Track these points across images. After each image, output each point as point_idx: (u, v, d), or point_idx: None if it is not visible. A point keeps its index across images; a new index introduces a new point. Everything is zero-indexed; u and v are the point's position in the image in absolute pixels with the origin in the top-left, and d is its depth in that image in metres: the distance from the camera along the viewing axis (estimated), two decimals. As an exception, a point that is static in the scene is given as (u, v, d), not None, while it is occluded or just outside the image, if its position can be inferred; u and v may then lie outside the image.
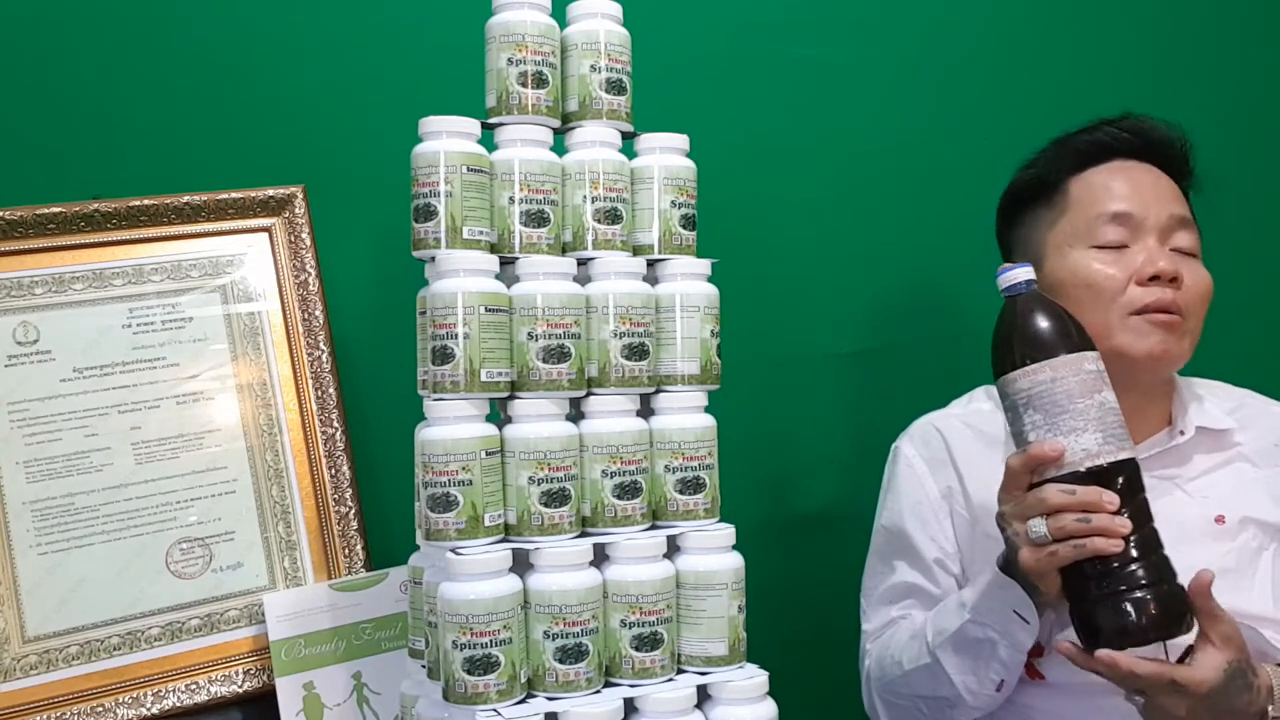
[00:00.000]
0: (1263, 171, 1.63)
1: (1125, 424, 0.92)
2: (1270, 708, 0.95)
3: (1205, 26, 1.62)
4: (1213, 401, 1.16)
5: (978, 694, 1.05)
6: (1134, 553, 0.88)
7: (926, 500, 1.17)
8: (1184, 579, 0.97)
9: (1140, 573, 0.88)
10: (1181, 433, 1.12)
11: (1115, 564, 0.88)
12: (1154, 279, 1.07)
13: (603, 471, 0.93)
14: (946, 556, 1.15)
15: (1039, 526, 0.91)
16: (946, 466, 1.17)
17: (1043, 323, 0.93)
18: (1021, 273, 0.96)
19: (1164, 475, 1.11)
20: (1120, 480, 0.89)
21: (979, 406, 1.21)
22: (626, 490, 0.93)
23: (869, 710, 1.18)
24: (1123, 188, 1.12)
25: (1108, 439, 0.89)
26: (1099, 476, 0.88)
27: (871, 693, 1.16)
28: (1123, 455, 0.90)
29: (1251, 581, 1.07)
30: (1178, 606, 0.89)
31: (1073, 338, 0.92)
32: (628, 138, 1.01)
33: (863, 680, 1.18)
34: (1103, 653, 0.89)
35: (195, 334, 1.17)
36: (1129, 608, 0.88)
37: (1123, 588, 0.88)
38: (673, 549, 0.95)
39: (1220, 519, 1.09)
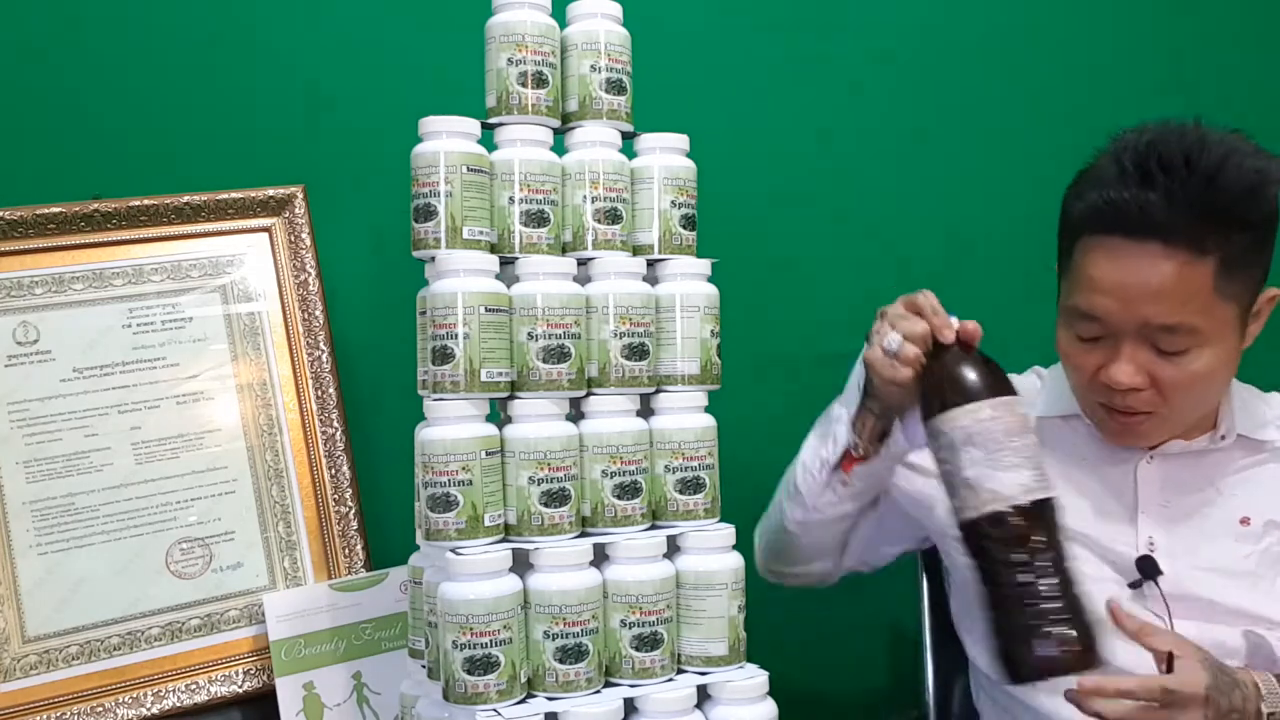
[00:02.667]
0: None
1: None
2: (1263, 705, 0.95)
3: (1218, 22, 1.62)
4: (1265, 410, 1.12)
5: (808, 472, 1.09)
6: (1057, 589, 0.89)
7: None
8: (1201, 571, 1.00)
9: (1060, 607, 0.89)
10: (1223, 437, 1.09)
11: (1036, 599, 0.89)
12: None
13: (603, 471, 0.93)
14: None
15: (894, 338, 0.98)
16: None
17: (981, 366, 0.95)
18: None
19: (1197, 470, 1.09)
20: (1051, 515, 0.91)
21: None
22: (626, 490, 0.93)
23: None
24: (1099, 283, 1.01)
25: (1039, 477, 0.91)
26: (1038, 508, 0.90)
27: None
28: (1052, 494, 0.92)
29: (1272, 585, 1.05)
30: (1093, 640, 0.90)
31: (1006, 382, 0.95)
32: (628, 138, 1.01)
33: None
34: (1086, 682, 0.90)
35: (195, 334, 1.17)
36: (1049, 641, 0.88)
37: (1041, 621, 0.89)
38: (673, 549, 0.95)
39: (1245, 520, 1.07)
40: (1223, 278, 0.98)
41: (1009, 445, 0.90)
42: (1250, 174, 0.97)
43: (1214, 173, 0.96)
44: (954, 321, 0.97)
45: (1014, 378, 1.12)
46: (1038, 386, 1.18)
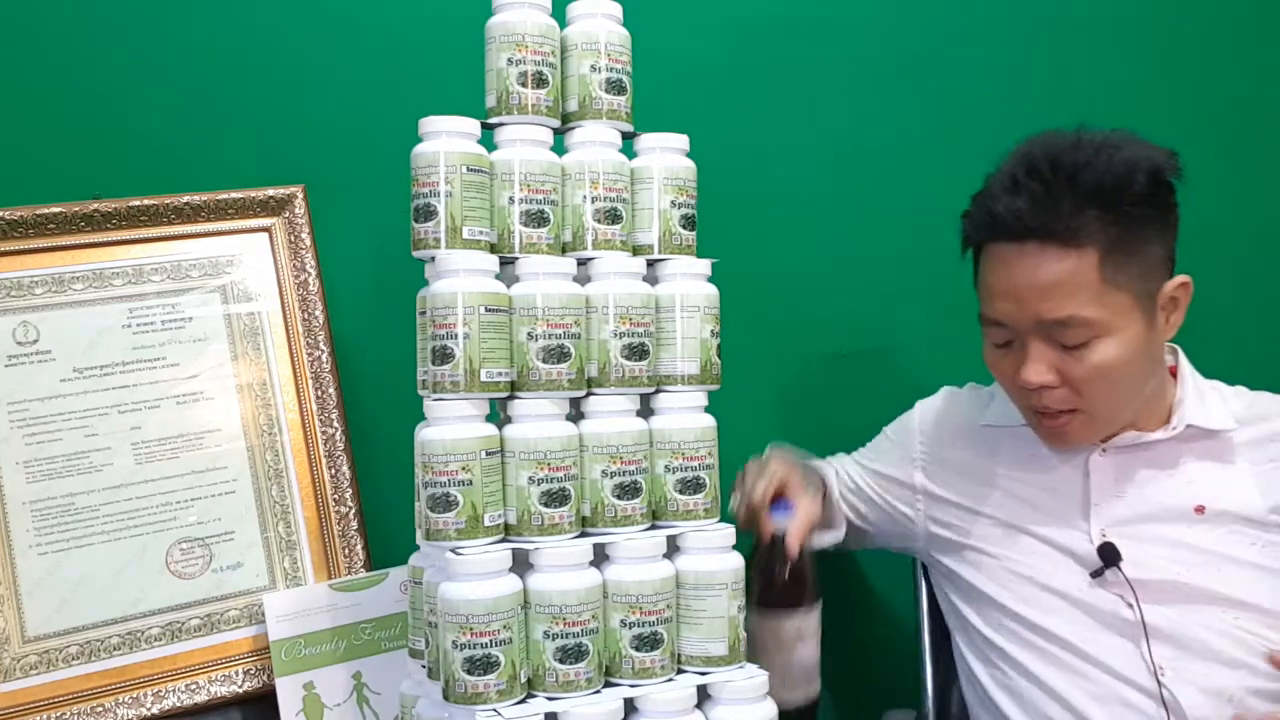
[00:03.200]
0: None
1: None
2: None
3: (1219, 23, 1.62)
4: (1218, 400, 1.14)
5: None
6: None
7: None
8: (1161, 554, 1.07)
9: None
10: (1174, 428, 1.11)
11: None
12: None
13: (603, 471, 0.93)
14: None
15: (735, 500, 1.12)
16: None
17: (784, 580, 1.03)
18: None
19: (1150, 460, 1.12)
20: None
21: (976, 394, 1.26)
22: (626, 490, 0.93)
23: None
24: (995, 289, 1.06)
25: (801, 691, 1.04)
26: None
27: None
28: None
29: (1233, 570, 1.06)
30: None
31: (803, 595, 1.04)
32: (628, 138, 1.01)
33: None
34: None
35: (195, 334, 1.17)
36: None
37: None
38: (673, 549, 0.95)
39: (1200, 509, 1.09)
40: (1109, 267, 1.02)
41: (775, 661, 1.00)
42: (1119, 165, 1.02)
43: (1077, 170, 1.01)
44: (777, 523, 1.05)
45: (949, 392, 1.27)
46: (981, 398, 1.23)
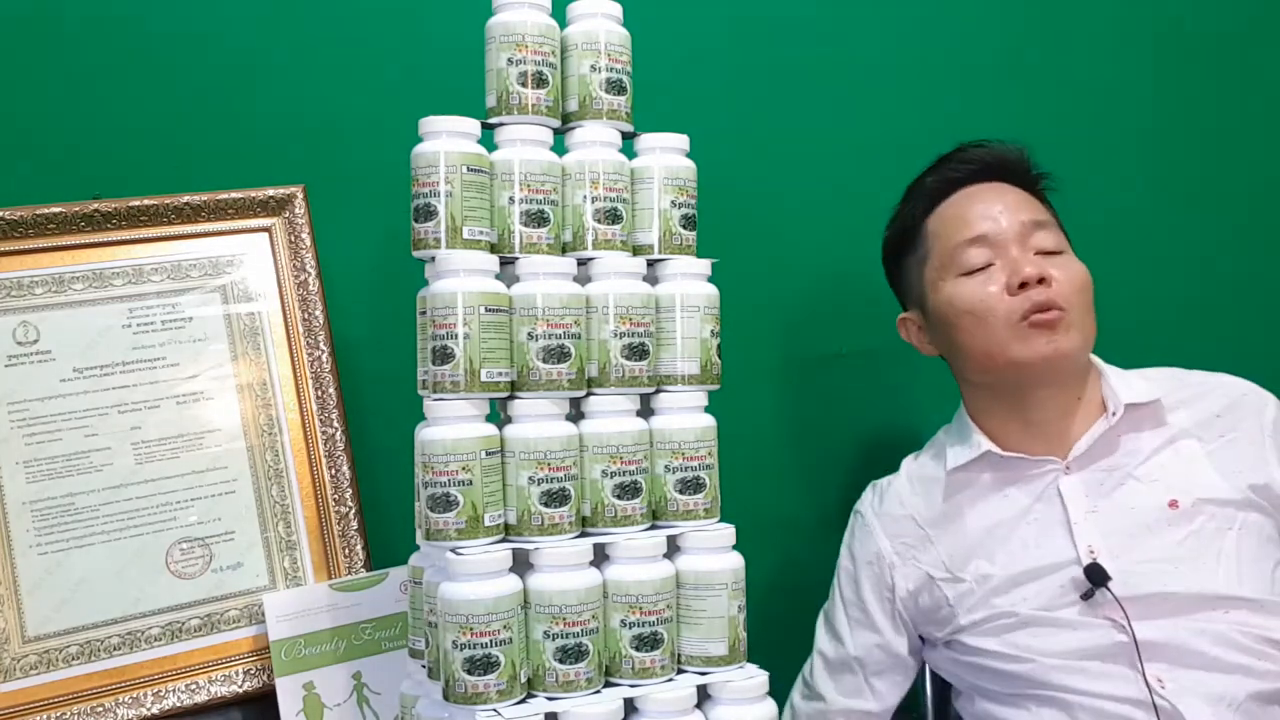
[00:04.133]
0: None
1: None
2: None
3: (1208, 22, 1.62)
4: (1137, 377, 1.18)
5: None
6: None
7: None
8: (1146, 563, 1.06)
9: None
10: (1113, 414, 1.13)
11: None
12: (1023, 286, 1.11)
13: (603, 471, 0.93)
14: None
15: None
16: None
17: None
18: None
19: (1112, 466, 1.13)
20: None
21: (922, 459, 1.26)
22: (626, 490, 0.93)
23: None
24: (973, 212, 1.16)
25: None
26: None
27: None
28: None
29: (1216, 563, 1.06)
30: None
31: None
32: (628, 138, 1.01)
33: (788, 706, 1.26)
34: None
35: (195, 334, 1.17)
36: None
37: None
38: (673, 549, 0.95)
39: (1174, 504, 1.10)
40: (1048, 207, 1.21)
41: None
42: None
43: (1003, 143, 1.22)
44: None
45: (880, 487, 1.26)
46: (925, 460, 1.24)
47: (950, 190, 1.20)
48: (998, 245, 1.14)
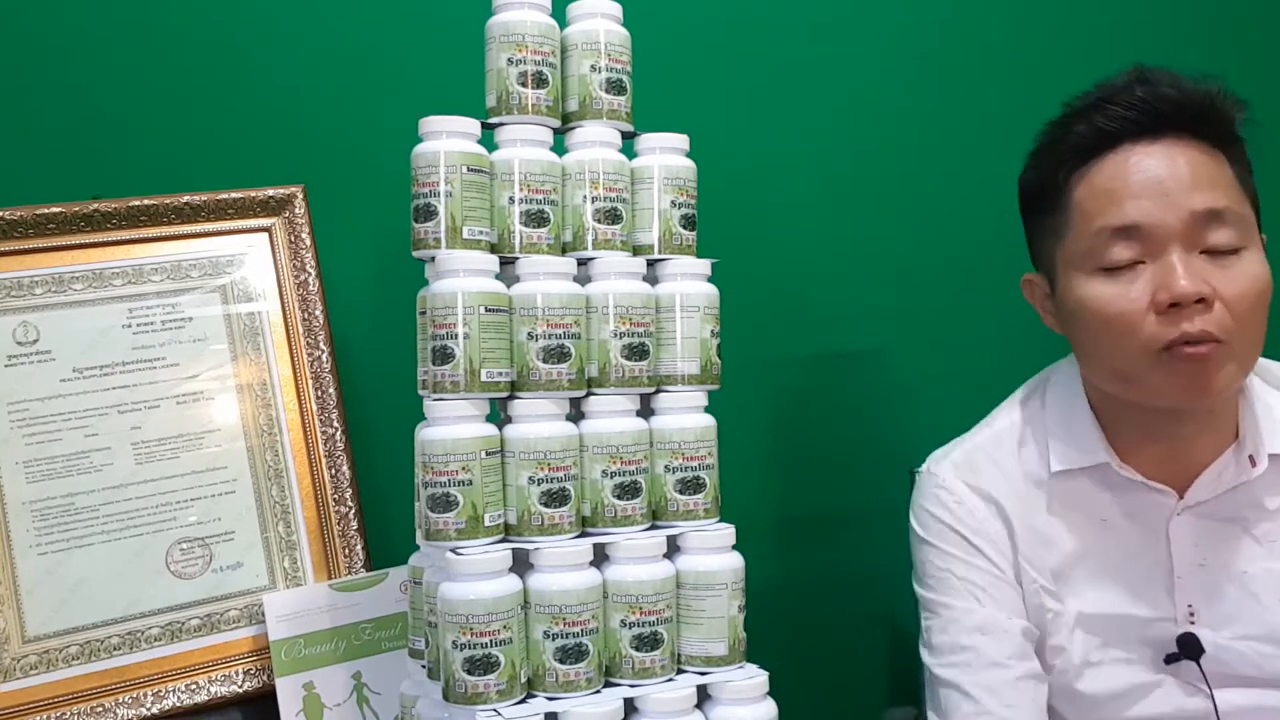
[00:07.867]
0: None
1: None
2: None
3: (1207, 22, 1.62)
4: None
5: None
6: None
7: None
8: (1246, 643, 0.93)
9: None
10: (1252, 461, 0.94)
11: None
12: (1174, 305, 0.89)
13: (603, 471, 0.93)
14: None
15: None
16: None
17: None
18: None
19: (1230, 517, 0.97)
20: None
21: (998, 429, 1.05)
22: (626, 490, 0.93)
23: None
24: (1128, 189, 0.91)
25: None
26: None
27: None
28: None
29: None
30: None
31: None
32: (628, 138, 1.01)
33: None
34: None
35: (195, 334, 1.17)
36: None
37: None
38: (673, 549, 0.95)
39: None
40: (1238, 176, 0.93)
41: None
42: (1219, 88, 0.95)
43: (1197, 77, 0.94)
44: None
45: (971, 452, 1.03)
46: (1026, 446, 1.03)
47: (1108, 145, 0.94)
48: (1152, 240, 0.90)
